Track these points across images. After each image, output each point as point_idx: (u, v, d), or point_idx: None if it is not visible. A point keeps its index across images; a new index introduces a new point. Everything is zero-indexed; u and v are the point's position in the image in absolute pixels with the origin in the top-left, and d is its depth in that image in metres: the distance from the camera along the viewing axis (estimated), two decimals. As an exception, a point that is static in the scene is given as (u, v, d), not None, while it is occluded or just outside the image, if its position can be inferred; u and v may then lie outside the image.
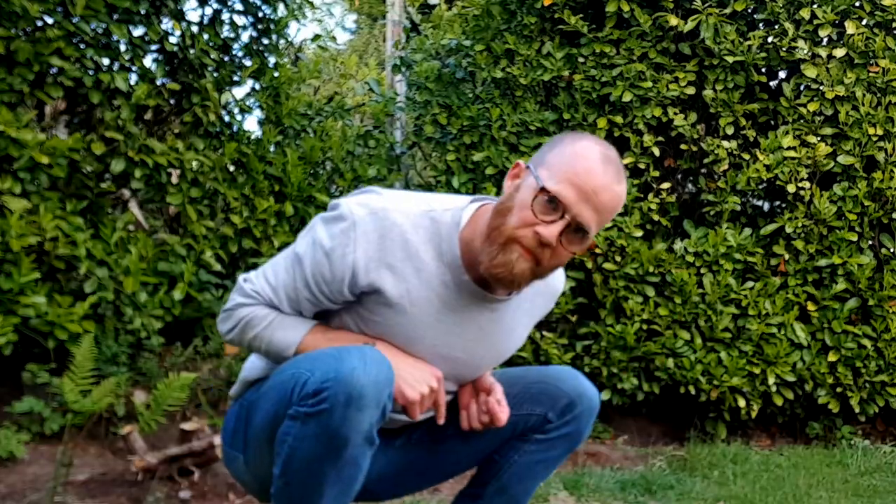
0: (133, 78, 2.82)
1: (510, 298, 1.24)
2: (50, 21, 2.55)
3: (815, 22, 3.18)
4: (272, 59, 3.37)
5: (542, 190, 1.08)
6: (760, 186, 3.27)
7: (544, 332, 3.20)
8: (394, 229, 1.14)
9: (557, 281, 1.34)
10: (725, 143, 3.26)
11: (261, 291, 1.21)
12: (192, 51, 2.95)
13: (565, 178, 1.08)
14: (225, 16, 3.15)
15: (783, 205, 3.30)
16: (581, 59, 3.36)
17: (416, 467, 1.37)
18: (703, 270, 3.19)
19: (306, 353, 1.17)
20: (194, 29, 2.99)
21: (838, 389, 3.15)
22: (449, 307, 1.19)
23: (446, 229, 1.17)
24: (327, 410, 1.05)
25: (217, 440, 2.20)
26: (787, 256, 3.19)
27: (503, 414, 1.25)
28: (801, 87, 3.24)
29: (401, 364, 1.16)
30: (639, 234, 3.26)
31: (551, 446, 1.33)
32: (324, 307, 1.21)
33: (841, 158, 3.17)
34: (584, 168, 1.09)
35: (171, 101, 3.02)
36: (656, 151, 3.32)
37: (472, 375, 1.30)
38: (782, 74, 3.41)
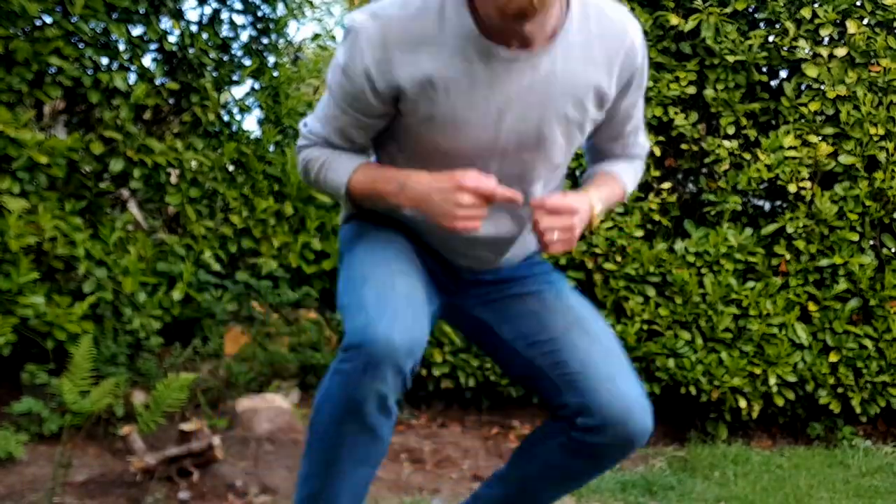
0: (132, 77, 2.82)
1: (549, 46, 1.12)
2: (49, 20, 2.54)
3: (817, 21, 3.17)
4: (272, 59, 3.37)
5: None
6: (761, 186, 3.26)
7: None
8: (393, 23, 1.11)
9: (624, 20, 1.20)
10: (726, 143, 3.26)
11: (313, 130, 1.25)
12: (191, 50, 2.94)
13: None
14: (224, 15, 3.14)
15: (784, 205, 3.29)
16: (581, 59, 3.35)
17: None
18: (703, 270, 3.19)
19: (354, 277, 1.17)
20: (193, 28, 2.98)
21: (839, 390, 3.14)
22: (480, 79, 1.12)
23: None
24: (347, 373, 1.05)
25: (216, 441, 2.20)
26: (788, 256, 3.18)
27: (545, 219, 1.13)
28: (803, 87, 3.23)
29: (429, 199, 1.13)
30: (639, 234, 3.25)
31: (576, 452, 1.22)
32: (372, 128, 1.21)
33: (842, 158, 3.16)
34: None
35: (171, 101, 3.02)
36: (657, 151, 3.32)
37: (544, 146, 1.19)
38: (783, 74, 3.40)
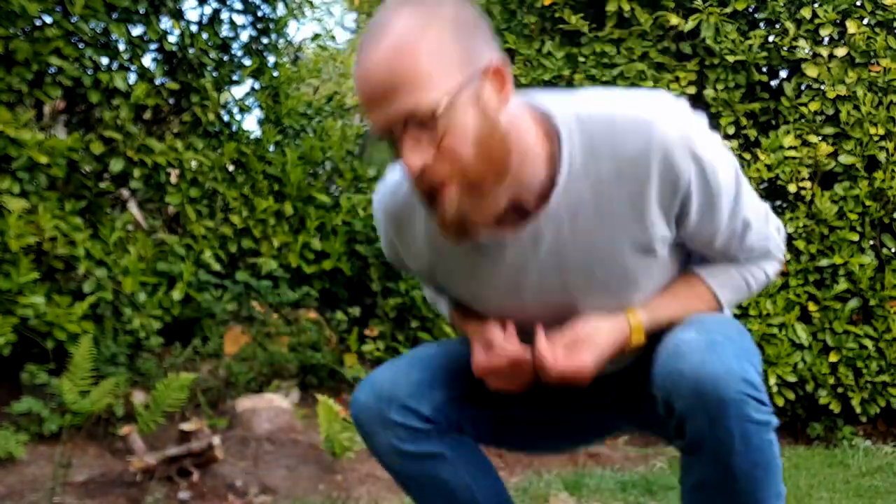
0: (132, 77, 2.82)
1: (542, 213, 0.95)
2: (49, 20, 2.55)
3: (816, 21, 3.17)
4: (272, 59, 3.37)
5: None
6: (761, 186, 3.26)
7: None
8: (387, 209, 1.07)
9: (644, 133, 0.91)
10: (726, 143, 3.25)
11: None
12: (191, 50, 2.95)
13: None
14: (224, 15, 3.15)
15: (784, 204, 3.29)
16: (581, 59, 3.36)
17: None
18: (703, 270, 3.19)
19: None
20: (193, 28, 2.99)
21: (839, 390, 3.15)
22: (478, 264, 1.01)
23: None
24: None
25: (216, 441, 2.20)
26: (788, 256, 3.19)
27: (552, 361, 0.98)
28: (802, 87, 3.23)
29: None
30: (639, 233, 3.25)
31: (688, 467, 0.99)
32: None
33: (842, 158, 3.16)
34: (356, 78, 0.89)
35: (171, 101, 3.02)
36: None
37: (582, 301, 1.01)
38: (783, 74, 3.40)
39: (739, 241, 1.04)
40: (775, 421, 0.95)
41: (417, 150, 0.86)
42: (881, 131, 3.13)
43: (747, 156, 3.24)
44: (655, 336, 1.00)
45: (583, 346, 0.99)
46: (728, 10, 3.21)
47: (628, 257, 0.97)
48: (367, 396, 1.08)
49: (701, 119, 0.97)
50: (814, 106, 3.17)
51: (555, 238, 0.97)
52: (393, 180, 1.05)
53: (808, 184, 3.18)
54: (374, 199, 1.09)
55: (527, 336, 1.03)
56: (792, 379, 3.12)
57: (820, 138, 3.18)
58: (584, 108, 0.94)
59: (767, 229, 1.06)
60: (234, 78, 3.20)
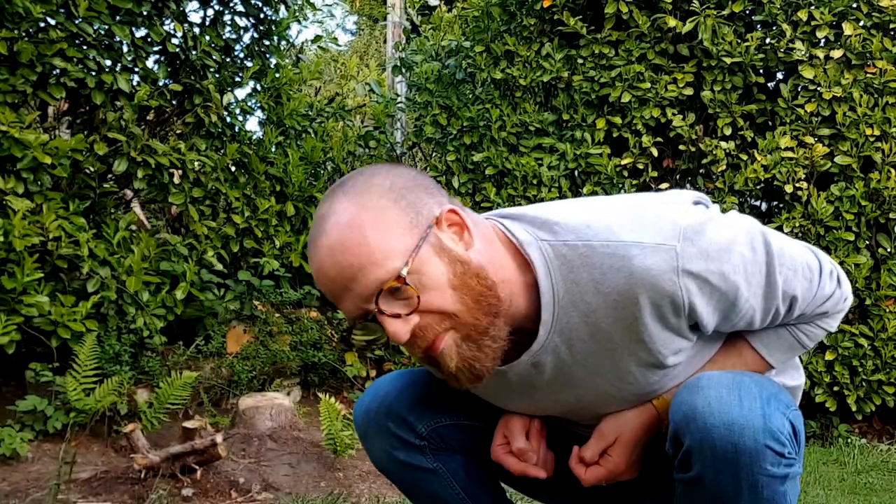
0: (135, 79, 2.84)
1: (543, 346, 0.93)
2: (52, 22, 2.56)
3: (813, 23, 3.20)
4: (273, 61, 3.39)
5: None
6: (758, 187, 3.29)
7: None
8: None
9: (624, 267, 0.87)
10: (723, 144, 3.28)
11: None
12: (194, 52, 2.96)
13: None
14: (226, 17, 3.16)
15: (781, 205, 3.32)
16: (580, 61, 3.38)
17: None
18: (701, 270, 3.21)
19: None
20: (196, 30, 3.00)
21: (835, 388, 3.17)
22: (483, 391, 1.01)
23: None
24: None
25: (219, 438, 2.22)
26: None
27: (584, 474, 0.99)
28: (799, 88, 3.25)
29: None
30: (637, 233, 3.27)
31: (685, 497, 0.93)
32: None
33: (838, 159, 3.19)
34: (315, 278, 0.88)
35: (174, 102, 3.04)
36: (655, 152, 3.34)
37: (601, 409, 1.00)
38: (780, 75, 3.43)
39: (785, 314, 0.96)
40: (795, 471, 0.88)
41: (400, 321, 0.85)
42: (877, 132, 3.16)
43: (744, 156, 3.27)
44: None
45: (613, 450, 0.98)
46: (725, 12, 3.23)
47: (638, 375, 0.94)
48: (370, 402, 1.10)
49: (708, 216, 0.90)
50: (810, 107, 3.20)
51: (555, 364, 0.95)
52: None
53: (804, 184, 3.20)
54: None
55: (557, 422, 1.05)
56: (789, 377, 3.14)
57: (816, 139, 3.20)
58: (559, 234, 0.90)
59: (821, 290, 0.96)
60: (237, 79, 3.21)
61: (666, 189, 3.34)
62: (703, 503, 0.90)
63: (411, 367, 1.20)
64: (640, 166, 3.36)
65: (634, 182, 3.35)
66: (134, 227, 2.93)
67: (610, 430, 0.98)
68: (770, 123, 3.35)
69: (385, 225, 0.84)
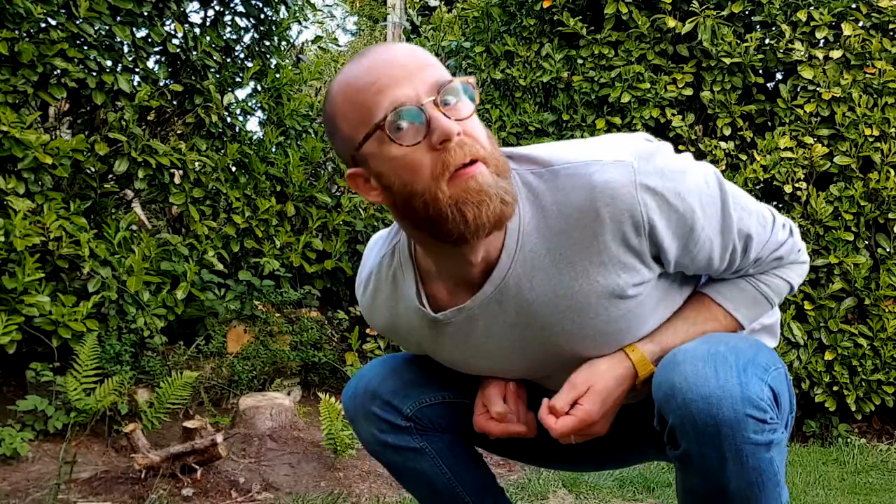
0: (136, 79, 2.84)
1: (505, 277, 0.93)
2: (53, 23, 2.56)
3: (812, 24, 3.20)
4: (274, 61, 3.39)
5: (379, 127, 0.85)
6: (758, 187, 3.29)
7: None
8: (368, 312, 1.10)
9: (586, 184, 0.89)
10: (723, 144, 3.29)
11: None
12: (194, 52, 2.97)
13: (360, 107, 0.86)
14: (227, 18, 3.17)
15: (780, 205, 3.32)
16: (580, 61, 3.39)
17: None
18: (700, 270, 3.21)
19: None
20: (197, 31, 3.01)
21: (835, 388, 3.17)
22: (453, 341, 1.03)
23: (399, 253, 1.02)
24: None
25: (219, 438, 2.22)
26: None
27: (554, 424, 0.98)
28: (798, 89, 3.26)
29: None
30: (637, 234, 3.28)
31: (681, 473, 0.95)
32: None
33: (837, 159, 3.19)
34: (362, 82, 0.86)
35: (174, 103, 3.05)
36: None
37: (572, 355, 0.99)
38: (779, 76, 3.43)
39: (742, 256, 0.98)
40: (779, 436, 0.89)
41: (451, 121, 0.84)
42: (876, 133, 3.16)
43: (743, 157, 3.27)
44: None
45: (584, 399, 0.97)
46: (724, 12, 3.24)
47: (599, 306, 0.94)
48: (355, 387, 1.14)
49: (660, 145, 0.93)
50: (809, 107, 3.20)
51: (517, 298, 0.95)
52: (367, 273, 1.07)
53: (803, 184, 3.21)
54: (359, 294, 1.10)
55: (535, 385, 1.07)
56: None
57: (815, 139, 3.21)
58: (527, 166, 0.93)
59: (774, 235, 0.99)
60: (237, 80, 3.22)
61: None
62: (695, 476, 0.91)
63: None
64: (640, 166, 3.37)
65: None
66: (135, 228, 2.93)
67: (581, 380, 0.98)
68: (769, 124, 3.36)
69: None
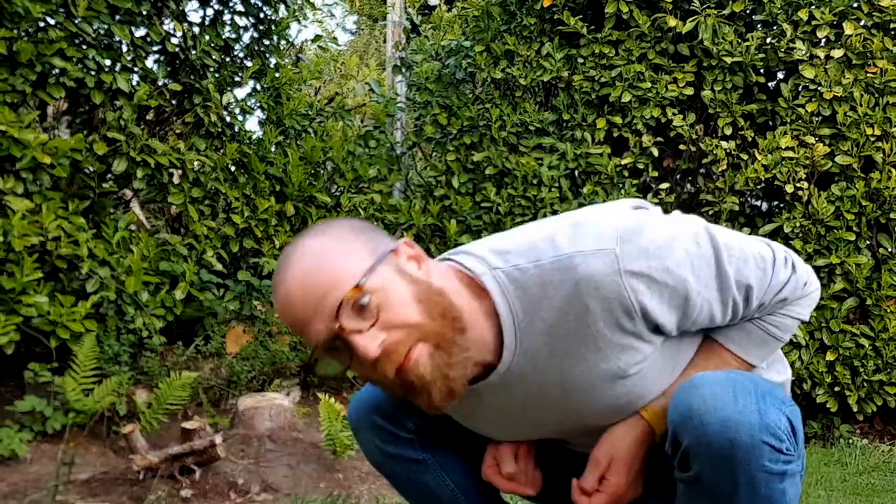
0: (135, 79, 2.83)
1: (508, 369, 0.95)
2: (52, 22, 2.56)
3: (814, 23, 3.20)
4: (273, 60, 3.38)
5: (317, 355, 0.90)
6: (759, 186, 3.28)
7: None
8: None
9: (571, 277, 0.91)
10: (724, 144, 3.28)
11: None
12: (193, 52, 2.96)
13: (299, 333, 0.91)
14: (226, 17, 3.16)
15: (781, 205, 3.32)
16: (580, 60, 3.38)
17: None
18: (701, 270, 3.20)
19: None
20: (196, 30, 3.00)
21: (836, 388, 3.17)
22: (460, 412, 1.04)
23: None
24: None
25: (218, 439, 2.21)
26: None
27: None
28: (800, 88, 3.25)
29: None
30: (638, 234, 3.27)
31: (685, 495, 0.94)
32: None
33: (839, 159, 3.19)
34: (282, 316, 0.92)
35: (173, 102, 3.04)
36: (655, 152, 3.34)
37: (581, 427, 1.02)
38: (780, 75, 3.43)
39: (745, 306, 0.97)
40: (794, 469, 0.88)
41: (367, 337, 0.85)
42: (877, 132, 3.16)
43: (745, 156, 3.26)
44: None
45: (609, 473, 0.98)
46: (726, 11, 3.23)
47: (604, 387, 0.95)
48: (360, 399, 1.14)
49: (645, 216, 0.94)
50: (811, 107, 3.20)
51: (522, 387, 0.96)
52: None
53: (804, 184, 3.20)
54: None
55: (549, 443, 1.09)
56: (789, 378, 3.14)
57: (817, 139, 3.20)
58: (510, 261, 0.93)
59: (775, 278, 0.97)
60: (236, 79, 3.21)
61: (666, 188, 3.34)
62: (703, 502, 0.91)
63: None
64: (641, 166, 3.36)
65: (635, 182, 3.35)
66: (133, 227, 2.92)
67: (603, 454, 0.99)
68: (770, 123, 3.35)
69: (348, 251, 0.89)
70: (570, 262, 0.90)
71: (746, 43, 3.22)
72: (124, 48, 2.78)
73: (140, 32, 2.82)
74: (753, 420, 0.85)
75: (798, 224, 3.18)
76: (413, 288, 0.88)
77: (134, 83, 2.80)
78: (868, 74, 3.18)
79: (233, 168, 3.20)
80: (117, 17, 2.73)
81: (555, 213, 3.08)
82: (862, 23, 3.21)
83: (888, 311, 3.13)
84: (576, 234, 0.92)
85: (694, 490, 0.91)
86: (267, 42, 3.33)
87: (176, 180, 2.99)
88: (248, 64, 3.26)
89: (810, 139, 3.19)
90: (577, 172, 3.43)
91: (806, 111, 3.20)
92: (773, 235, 3.25)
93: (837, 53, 3.17)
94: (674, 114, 3.32)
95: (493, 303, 0.92)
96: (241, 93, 3.29)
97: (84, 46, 2.64)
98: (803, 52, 3.20)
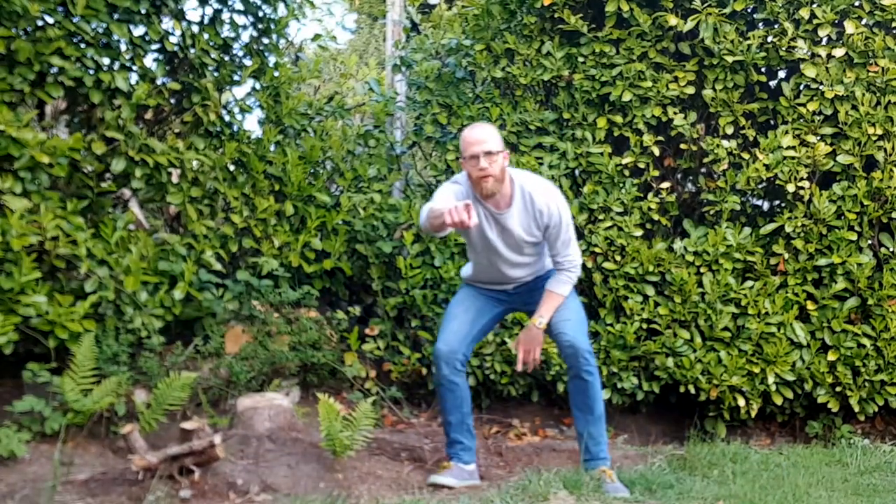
0: (133, 77, 2.83)
1: (508, 210, 2.42)
2: (50, 21, 2.55)
3: (815, 21, 3.19)
4: (272, 59, 3.37)
5: (464, 157, 2.41)
6: (760, 186, 3.28)
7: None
8: (450, 182, 2.53)
9: (539, 201, 2.40)
10: (725, 143, 3.27)
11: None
12: (192, 50, 2.96)
13: (464, 148, 2.41)
14: (225, 15, 3.15)
15: (783, 204, 3.31)
16: (581, 59, 3.37)
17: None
18: (702, 270, 3.20)
19: (446, 313, 2.64)
20: (194, 28, 2.99)
21: (838, 388, 3.16)
22: (488, 222, 2.46)
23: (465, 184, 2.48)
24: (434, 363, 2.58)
25: (217, 439, 2.21)
26: (786, 256, 3.20)
27: (521, 355, 2.53)
28: (801, 87, 3.24)
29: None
30: (638, 233, 3.26)
31: (569, 376, 2.56)
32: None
33: (840, 158, 3.18)
34: (466, 137, 2.40)
35: (172, 101, 3.03)
36: (656, 151, 3.33)
37: (517, 247, 2.47)
38: (782, 74, 3.42)
39: (563, 247, 2.46)
40: (595, 369, 2.50)
41: (487, 160, 2.34)
42: (879, 131, 3.15)
43: (746, 155, 3.25)
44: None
45: (532, 345, 2.51)
46: (727, 10, 3.22)
47: (526, 240, 2.46)
48: (443, 345, 2.50)
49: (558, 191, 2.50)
50: (812, 106, 3.19)
51: (504, 226, 2.45)
52: (454, 180, 2.51)
53: (806, 183, 3.19)
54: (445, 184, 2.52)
55: (494, 269, 2.55)
56: (790, 377, 3.13)
57: (818, 138, 3.19)
58: (527, 178, 2.47)
59: (574, 251, 2.49)
60: (235, 78, 3.20)
61: (667, 188, 3.34)
62: (574, 378, 2.51)
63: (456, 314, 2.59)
64: (642, 165, 3.35)
65: (636, 181, 3.34)
66: (132, 227, 2.92)
67: (529, 336, 2.52)
68: (772, 122, 3.34)
69: (497, 136, 2.42)
70: (551, 194, 2.45)
71: (748, 41, 3.21)
72: (123, 47, 2.78)
73: (139, 31, 2.82)
74: (585, 345, 2.49)
75: (799, 223, 3.17)
76: (503, 163, 2.39)
77: (133, 82, 2.79)
78: (870, 73, 3.18)
79: (232, 167, 3.19)
80: (116, 16, 2.73)
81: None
82: (863, 21, 3.20)
83: (890, 310, 3.12)
84: (548, 184, 2.51)
85: (570, 373, 2.52)
86: (266, 41, 3.32)
87: (175, 180, 2.98)
88: (248, 63, 3.25)
89: (812, 138, 3.18)
90: (577, 171, 3.42)
91: (807, 110, 3.19)
92: (775, 235, 3.24)
93: (839, 52, 3.16)
94: (675, 113, 3.31)
95: (512, 186, 2.43)
96: (240, 92, 3.29)
97: (82, 45, 2.64)
98: (805, 51, 3.19)
